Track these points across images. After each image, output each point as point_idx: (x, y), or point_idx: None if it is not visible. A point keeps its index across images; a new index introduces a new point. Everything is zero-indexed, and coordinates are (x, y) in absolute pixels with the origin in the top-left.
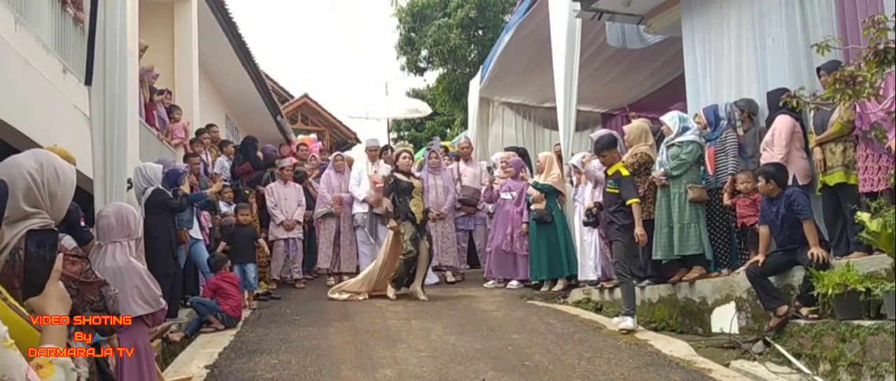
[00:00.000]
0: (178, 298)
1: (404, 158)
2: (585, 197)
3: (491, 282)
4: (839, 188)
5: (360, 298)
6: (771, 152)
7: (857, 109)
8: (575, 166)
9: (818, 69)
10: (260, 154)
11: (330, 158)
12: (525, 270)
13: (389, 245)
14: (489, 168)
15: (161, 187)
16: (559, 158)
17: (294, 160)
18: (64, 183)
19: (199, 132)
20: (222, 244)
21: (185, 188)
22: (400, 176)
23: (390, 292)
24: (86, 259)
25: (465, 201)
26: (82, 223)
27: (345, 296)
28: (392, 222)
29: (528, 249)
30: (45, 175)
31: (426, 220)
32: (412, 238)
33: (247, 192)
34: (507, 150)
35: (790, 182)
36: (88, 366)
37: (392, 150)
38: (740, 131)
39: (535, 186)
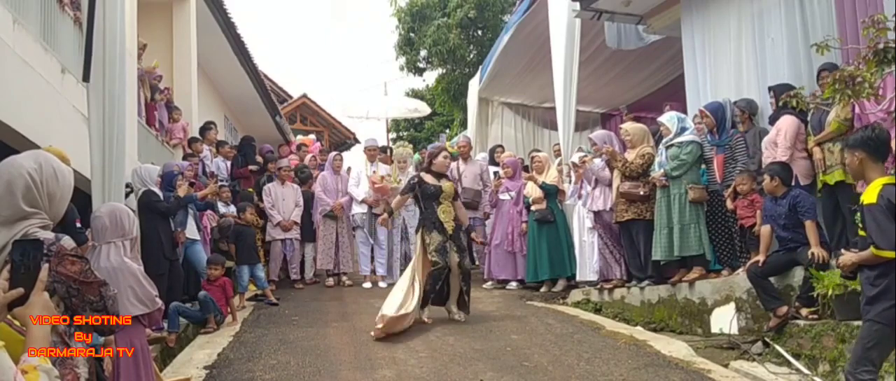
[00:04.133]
0: (177, 299)
1: (444, 157)
2: (586, 198)
3: (490, 283)
4: (838, 188)
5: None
6: (774, 152)
7: (856, 109)
8: (574, 164)
9: (819, 71)
10: (259, 158)
11: (328, 158)
12: (523, 270)
13: (419, 260)
14: (496, 173)
15: (152, 189)
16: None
17: (294, 161)
18: (62, 184)
19: (203, 130)
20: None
21: (181, 191)
22: (427, 178)
23: (423, 314)
24: (85, 260)
25: (467, 204)
26: (78, 225)
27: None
28: (381, 217)
29: (526, 249)
30: (44, 176)
31: (459, 228)
32: (438, 249)
33: (250, 190)
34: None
35: (792, 182)
36: (88, 367)
37: (391, 150)
38: (741, 129)
39: (544, 186)
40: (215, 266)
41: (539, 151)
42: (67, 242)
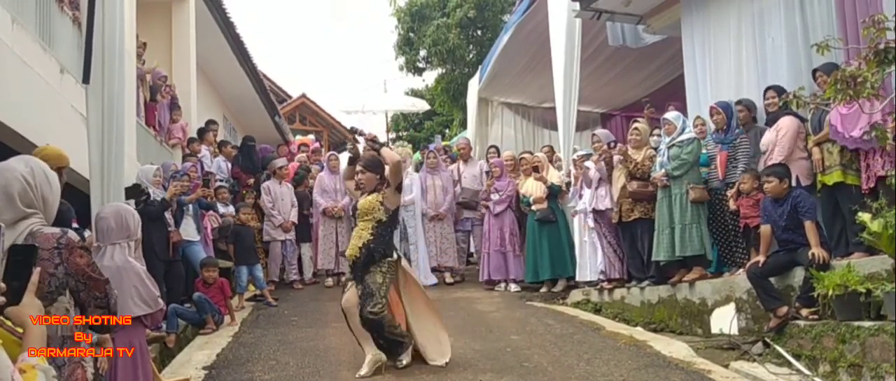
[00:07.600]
0: (177, 300)
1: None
2: (586, 199)
3: (501, 286)
4: (837, 188)
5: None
6: (774, 152)
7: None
8: (575, 161)
9: (814, 71)
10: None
11: (324, 158)
12: (516, 270)
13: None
14: (488, 172)
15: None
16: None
17: (294, 164)
18: (54, 187)
19: (202, 131)
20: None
21: (167, 193)
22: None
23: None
24: (90, 252)
25: (465, 204)
26: (75, 225)
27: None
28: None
29: (520, 249)
30: (37, 179)
31: (369, 259)
32: (343, 284)
33: (244, 193)
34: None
35: (793, 182)
36: (92, 365)
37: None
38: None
39: (552, 187)
40: (210, 269)
41: (531, 152)
42: (73, 235)
